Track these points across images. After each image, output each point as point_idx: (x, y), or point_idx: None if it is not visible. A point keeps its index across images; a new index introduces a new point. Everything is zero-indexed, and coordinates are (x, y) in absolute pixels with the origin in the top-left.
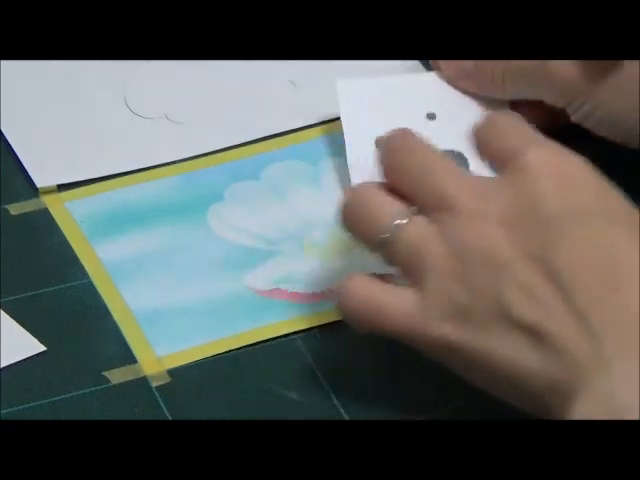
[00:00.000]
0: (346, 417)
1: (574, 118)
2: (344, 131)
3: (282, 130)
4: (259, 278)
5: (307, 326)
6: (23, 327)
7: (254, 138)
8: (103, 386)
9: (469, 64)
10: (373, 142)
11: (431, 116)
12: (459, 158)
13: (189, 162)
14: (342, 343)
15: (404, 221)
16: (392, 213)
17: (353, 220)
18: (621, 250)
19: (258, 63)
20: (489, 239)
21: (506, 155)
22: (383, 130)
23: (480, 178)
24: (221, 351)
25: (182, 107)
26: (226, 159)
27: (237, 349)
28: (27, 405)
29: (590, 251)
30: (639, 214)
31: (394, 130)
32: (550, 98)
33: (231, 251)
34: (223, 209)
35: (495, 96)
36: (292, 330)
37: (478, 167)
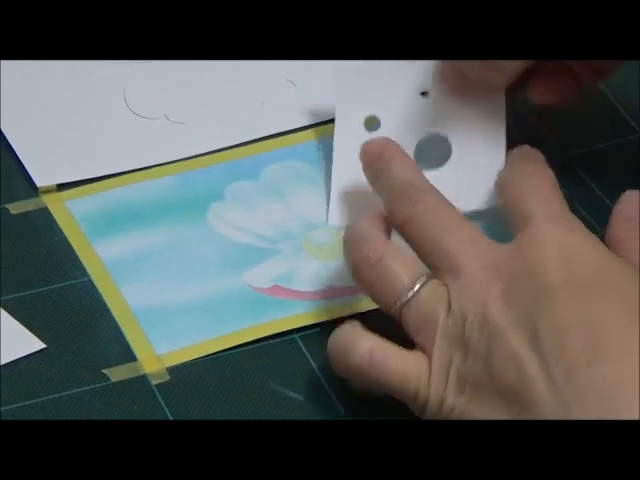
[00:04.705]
0: (346, 417)
1: None
2: (336, 115)
3: (282, 130)
4: (259, 276)
5: (307, 323)
6: (23, 325)
7: (254, 138)
8: (103, 384)
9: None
10: (363, 129)
11: (424, 94)
12: (443, 144)
13: (189, 161)
14: None
15: (418, 287)
16: (410, 279)
17: (369, 282)
18: (604, 322)
19: (257, 63)
20: (488, 307)
21: (520, 219)
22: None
23: (491, 245)
24: (221, 349)
25: (182, 107)
26: (226, 158)
27: (237, 347)
28: (27, 402)
29: (573, 321)
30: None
31: (391, 150)
32: None
33: (231, 249)
34: (223, 208)
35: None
36: (292, 327)
37: (461, 153)
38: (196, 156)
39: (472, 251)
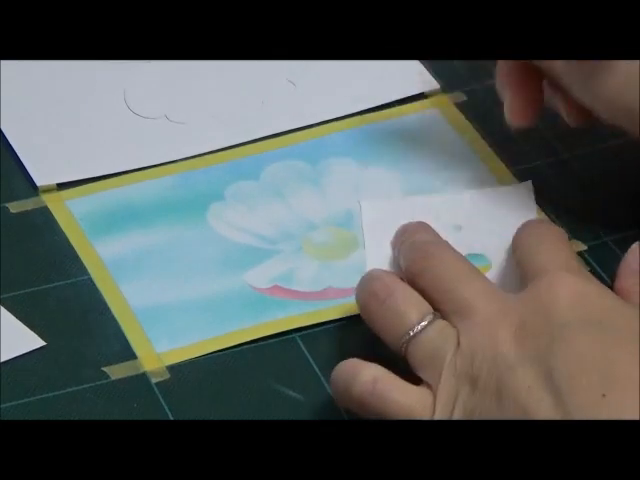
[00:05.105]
0: (346, 417)
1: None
2: (366, 251)
3: (282, 130)
4: (259, 276)
5: (307, 323)
6: (23, 323)
7: (254, 138)
8: (103, 381)
9: None
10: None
11: (457, 227)
12: (482, 261)
13: (189, 161)
14: (342, 342)
15: (425, 323)
16: (418, 315)
17: (378, 317)
18: (618, 358)
19: (257, 63)
20: (499, 343)
21: (533, 271)
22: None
23: (504, 295)
24: (220, 348)
25: (182, 107)
26: (226, 158)
27: (237, 346)
28: (26, 400)
29: (586, 356)
30: None
31: (416, 225)
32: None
33: (231, 249)
34: (223, 208)
35: None
36: (292, 327)
37: (500, 269)
38: (196, 156)
39: (485, 298)
